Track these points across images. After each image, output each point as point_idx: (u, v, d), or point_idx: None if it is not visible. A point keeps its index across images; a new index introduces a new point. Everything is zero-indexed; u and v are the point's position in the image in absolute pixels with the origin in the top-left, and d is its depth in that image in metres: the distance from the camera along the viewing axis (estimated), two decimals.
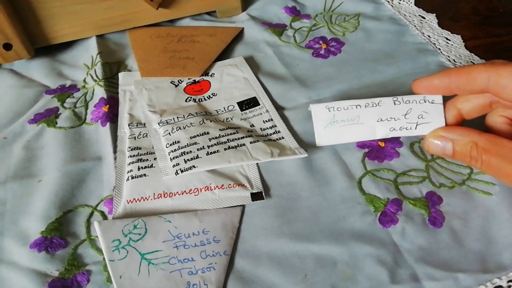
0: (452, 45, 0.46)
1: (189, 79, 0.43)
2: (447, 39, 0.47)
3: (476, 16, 0.51)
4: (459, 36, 0.47)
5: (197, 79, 0.43)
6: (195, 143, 0.35)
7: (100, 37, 0.48)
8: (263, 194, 0.33)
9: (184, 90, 0.42)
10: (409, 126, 0.33)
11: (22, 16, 0.42)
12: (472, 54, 0.45)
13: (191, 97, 0.41)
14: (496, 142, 0.29)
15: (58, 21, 0.44)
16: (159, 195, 0.33)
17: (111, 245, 0.29)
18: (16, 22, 0.42)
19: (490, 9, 0.52)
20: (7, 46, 0.43)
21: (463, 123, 0.33)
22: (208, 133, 0.36)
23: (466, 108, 0.32)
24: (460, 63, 0.44)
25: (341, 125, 0.33)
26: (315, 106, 0.34)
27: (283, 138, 0.37)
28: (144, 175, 0.34)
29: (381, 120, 0.33)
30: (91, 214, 0.33)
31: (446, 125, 0.33)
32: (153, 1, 0.45)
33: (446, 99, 0.33)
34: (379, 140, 0.36)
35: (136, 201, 0.33)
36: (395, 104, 0.33)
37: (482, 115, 0.33)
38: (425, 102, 0.33)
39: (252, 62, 0.45)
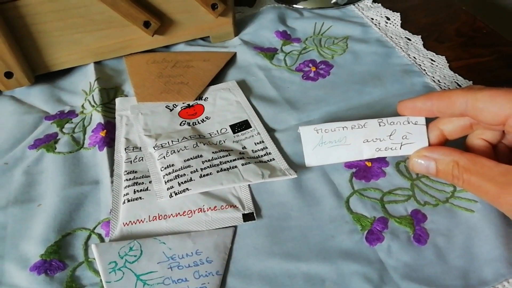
0: (437, 66, 0.48)
1: (183, 103, 0.44)
2: (432, 60, 0.49)
3: (460, 37, 0.53)
4: (444, 57, 0.49)
5: (191, 103, 0.44)
6: (189, 166, 0.37)
7: (97, 63, 0.50)
8: (255, 214, 0.35)
9: (178, 114, 0.43)
10: (394, 146, 0.34)
11: (22, 45, 0.44)
12: (456, 74, 0.47)
13: (185, 121, 0.42)
14: (476, 161, 0.30)
15: (57, 49, 0.46)
16: (154, 217, 0.34)
17: (108, 267, 0.31)
18: (17, 51, 0.44)
19: (474, 30, 0.54)
20: (8, 74, 0.44)
21: (447, 143, 0.34)
22: (201, 156, 0.38)
23: (448, 129, 0.34)
24: (445, 83, 0.46)
25: (329, 146, 0.35)
26: (304, 128, 0.35)
27: (273, 159, 0.38)
28: (140, 198, 0.35)
29: (367, 141, 0.35)
30: (89, 237, 0.34)
31: (429, 145, 0.34)
32: (148, 28, 0.47)
33: (429, 120, 0.34)
34: (366, 160, 0.38)
35: (132, 224, 0.34)
36: (380, 125, 0.35)
37: (464, 136, 0.34)
38: (408, 123, 0.34)
39: (244, 86, 0.47)
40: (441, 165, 0.32)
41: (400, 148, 0.34)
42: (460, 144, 0.34)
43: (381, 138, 0.34)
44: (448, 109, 0.32)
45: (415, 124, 0.34)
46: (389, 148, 0.35)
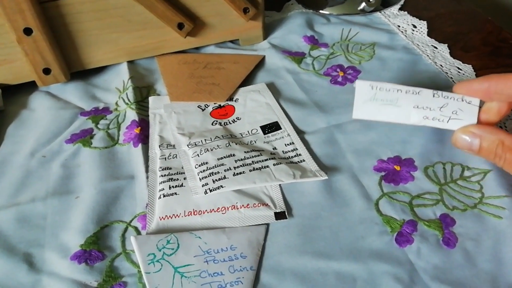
0: (463, 74, 0.49)
1: (215, 103, 0.45)
2: (458, 68, 0.50)
3: (486, 46, 0.53)
4: (470, 65, 0.50)
5: (222, 103, 0.45)
6: (222, 164, 0.38)
7: (130, 62, 0.51)
8: (286, 213, 0.36)
9: (210, 114, 0.44)
10: (442, 118, 0.34)
11: (61, 43, 0.46)
12: None
13: (217, 121, 0.44)
14: None
15: (94, 48, 0.48)
16: (189, 212, 0.35)
17: (147, 258, 0.32)
18: (56, 48, 0.45)
19: (500, 40, 0.54)
20: (47, 71, 0.46)
21: None
22: (234, 155, 0.39)
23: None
24: None
25: (380, 103, 0.35)
26: (360, 82, 0.35)
27: (304, 160, 0.39)
28: (175, 193, 0.37)
29: (417, 107, 0.35)
30: (126, 229, 0.35)
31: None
32: (182, 30, 0.48)
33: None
34: (395, 164, 0.39)
35: (168, 218, 0.35)
36: (433, 96, 0.35)
37: None
38: (462, 101, 0.34)
39: (273, 88, 0.48)
40: (486, 143, 0.32)
41: (448, 122, 0.34)
42: None
43: (431, 107, 0.35)
44: (505, 91, 0.32)
45: (469, 103, 0.34)
46: (437, 119, 0.35)
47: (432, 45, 0.53)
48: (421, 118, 0.35)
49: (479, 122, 0.34)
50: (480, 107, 0.34)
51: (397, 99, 0.35)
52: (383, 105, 0.35)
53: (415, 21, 0.57)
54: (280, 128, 0.43)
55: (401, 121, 0.35)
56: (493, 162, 0.32)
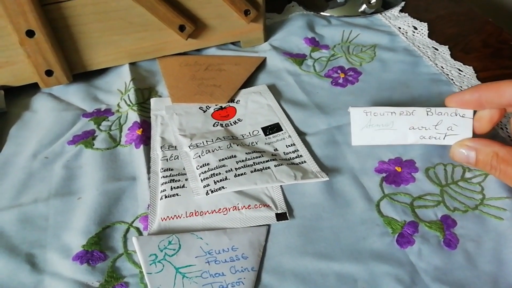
0: (464, 75, 0.49)
1: (216, 105, 0.46)
2: (459, 70, 0.50)
3: (486, 48, 0.53)
4: (471, 67, 0.50)
5: (223, 105, 0.46)
6: (224, 166, 0.38)
7: (132, 64, 0.51)
8: (287, 214, 0.36)
9: (211, 115, 0.45)
10: (438, 136, 0.36)
11: (63, 45, 0.46)
12: None
13: (218, 122, 0.44)
14: None
15: (95, 49, 0.48)
16: (191, 213, 0.36)
17: (149, 259, 0.32)
18: (58, 50, 0.45)
19: (500, 42, 0.54)
20: (49, 73, 0.46)
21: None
22: (235, 156, 0.39)
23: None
24: None
25: (376, 129, 0.36)
26: (354, 109, 0.37)
27: (305, 162, 0.39)
28: (177, 194, 0.37)
29: (413, 128, 0.36)
30: (128, 230, 0.35)
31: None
32: (183, 32, 0.48)
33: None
34: (396, 165, 0.39)
35: (169, 219, 0.35)
36: (427, 114, 0.36)
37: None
38: (456, 115, 0.35)
39: (274, 90, 0.48)
40: (481, 155, 0.33)
41: (444, 139, 0.36)
42: None
43: (426, 126, 0.36)
44: (496, 99, 0.33)
45: (462, 116, 0.35)
46: (433, 137, 0.36)
47: (432, 47, 0.54)
48: (417, 138, 0.36)
49: (473, 131, 0.35)
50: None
51: (392, 122, 0.36)
52: (379, 130, 0.36)
53: (416, 23, 0.57)
54: (281, 130, 0.43)
55: (398, 143, 0.37)
56: (490, 173, 0.33)
